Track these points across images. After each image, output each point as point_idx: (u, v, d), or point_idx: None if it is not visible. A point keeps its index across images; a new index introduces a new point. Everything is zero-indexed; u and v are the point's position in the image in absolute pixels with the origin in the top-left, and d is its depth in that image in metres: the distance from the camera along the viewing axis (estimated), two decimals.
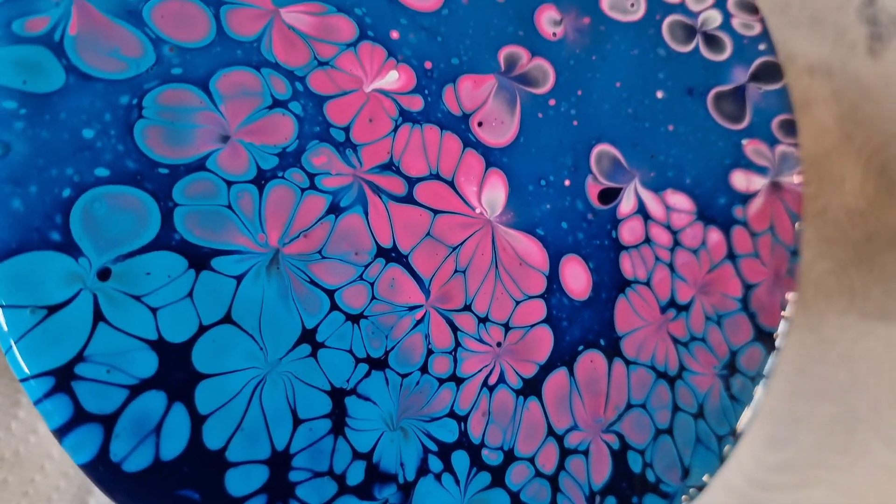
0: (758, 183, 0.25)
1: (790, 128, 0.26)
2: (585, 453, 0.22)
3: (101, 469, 0.17)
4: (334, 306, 0.19)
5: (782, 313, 0.25)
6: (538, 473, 0.21)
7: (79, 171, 0.18)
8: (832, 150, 0.44)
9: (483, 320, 0.21)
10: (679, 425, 0.23)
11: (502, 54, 0.22)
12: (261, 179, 0.19)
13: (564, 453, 0.21)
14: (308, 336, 0.19)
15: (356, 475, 0.19)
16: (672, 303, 0.23)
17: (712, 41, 0.25)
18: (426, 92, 0.21)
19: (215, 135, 0.19)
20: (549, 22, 0.23)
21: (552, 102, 0.23)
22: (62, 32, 0.18)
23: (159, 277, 0.18)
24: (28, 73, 0.18)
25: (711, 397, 0.24)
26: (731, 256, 0.25)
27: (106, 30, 0.18)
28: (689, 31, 0.25)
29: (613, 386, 0.22)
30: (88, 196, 0.18)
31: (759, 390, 0.24)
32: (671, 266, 0.24)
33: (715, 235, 0.24)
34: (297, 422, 0.19)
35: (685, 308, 0.24)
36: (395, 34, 0.21)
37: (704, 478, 0.23)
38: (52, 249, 0.17)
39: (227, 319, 0.18)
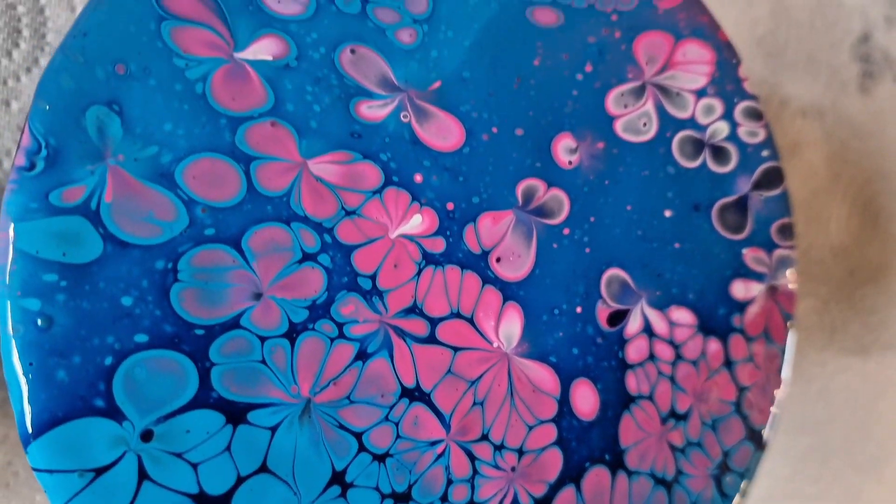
0: (755, 289, 0.26)
1: (788, 231, 0.27)
2: None
3: None
4: (362, 448, 0.21)
5: (772, 409, 0.27)
6: None
7: (119, 338, 0.18)
8: (820, 190, 0.45)
9: (499, 447, 0.22)
10: None
11: (520, 188, 0.23)
12: (292, 333, 0.20)
13: None
14: (338, 478, 0.20)
15: None
16: (672, 413, 0.25)
17: (719, 153, 0.26)
18: (448, 233, 0.22)
19: (248, 293, 0.20)
20: (565, 150, 0.24)
21: (566, 231, 0.23)
22: (98, 200, 0.18)
23: (199, 434, 0.19)
24: (68, 245, 0.18)
25: (704, 497, 0.25)
26: (728, 363, 0.26)
27: (140, 195, 0.19)
28: (698, 146, 0.26)
29: (616, 497, 0.24)
30: (129, 362, 0.18)
31: (746, 483, 0.26)
32: (672, 379, 0.25)
33: (714, 345, 0.26)
34: None
35: (683, 417, 0.25)
36: (418, 177, 0.22)
37: None
38: (97, 416, 0.18)
39: (264, 469, 0.20)
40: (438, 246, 0.22)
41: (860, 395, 0.46)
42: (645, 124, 0.25)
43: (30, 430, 0.18)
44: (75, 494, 0.18)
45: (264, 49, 0.20)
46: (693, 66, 0.26)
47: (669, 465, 0.25)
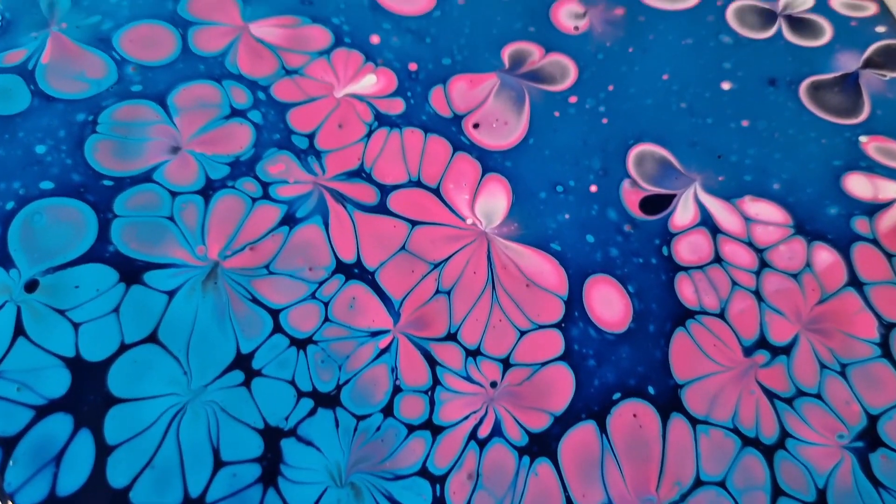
0: (892, 190, 0.18)
1: None
2: None
3: None
4: (278, 328, 0.16)
5: None
6: None
7: (25, 184, 0.17)
8: None
9: (472, 353, 0.16)
10: None
11: (507, 52, 0.19)
12: (208, 190, 0.17)
13: None
14: (243, 361, 0.16)
15: None
16: (762, 342, 0.17)
17: (801, 25, 0.20)
18: (409, 94, 0.19)
19: (167, 146, 0.18)
20: (568, 16, 0.20)
21: (573, 100, 0.19)
22: (35, 62, 0.18)
23: (87, 291, 0.16)
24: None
25: (839, 478, 0.16)
26: (856, 283, 0.18)
27: (75, 56, 0.19)
28: (768, 16, 0.20)
29: (671, 452, 0.16)
30: (30, 208, 0.17)
31: None
32: (757, 293, 0.17)
33: (825, 255, 0.18)
34: (218, 464, 0.15)
35: (784, 350, 0.17)
36: (375, 39, 0.19)
37: None
38: None
39: (153, 338, 0.16)
40: (396, 107, 0.18)
41: None
42: None
43: None
44: None
45: None
46: None
47: (766, 418, 0.16)
